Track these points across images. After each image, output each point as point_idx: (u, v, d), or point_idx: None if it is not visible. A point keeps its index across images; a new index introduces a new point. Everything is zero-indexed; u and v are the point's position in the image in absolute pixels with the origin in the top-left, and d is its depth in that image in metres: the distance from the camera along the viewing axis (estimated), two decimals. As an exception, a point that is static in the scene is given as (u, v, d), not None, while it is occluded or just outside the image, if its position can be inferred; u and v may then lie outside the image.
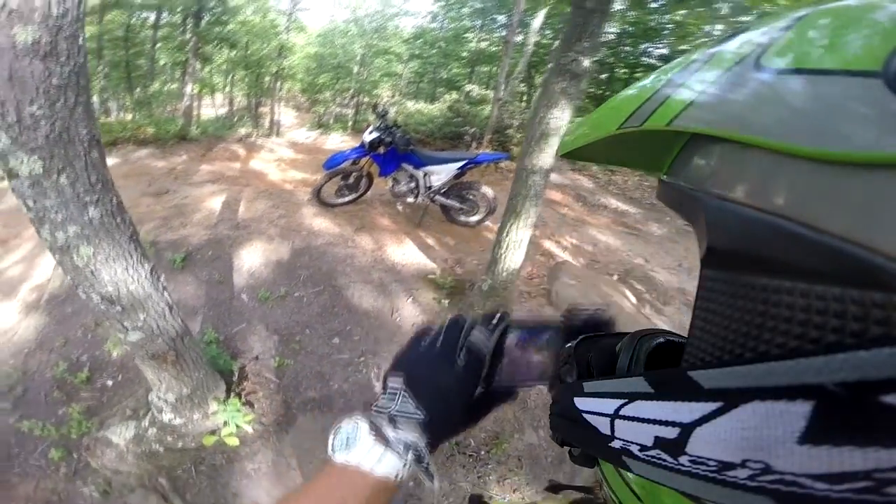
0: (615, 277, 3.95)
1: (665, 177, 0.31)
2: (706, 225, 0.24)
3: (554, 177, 6.92)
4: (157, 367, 1.80)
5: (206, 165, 5.87)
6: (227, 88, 13.82)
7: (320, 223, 4.08)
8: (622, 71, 12.30)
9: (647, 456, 0.26)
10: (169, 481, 2.00)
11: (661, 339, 0.37)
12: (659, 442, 0.25)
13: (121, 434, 2.07)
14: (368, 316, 2.91)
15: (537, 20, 7.41)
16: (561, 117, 2.31)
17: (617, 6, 7.87)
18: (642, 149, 0.34)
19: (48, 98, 1.18)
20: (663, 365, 0.36)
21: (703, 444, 0.22)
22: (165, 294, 1.72)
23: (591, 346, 0.42)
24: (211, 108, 13.11)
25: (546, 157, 2.42)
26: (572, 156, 0.40)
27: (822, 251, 0.18)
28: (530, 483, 2.09)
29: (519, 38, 8.43)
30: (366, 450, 0.42)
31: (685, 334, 0.35)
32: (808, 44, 0.21)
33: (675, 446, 0.23)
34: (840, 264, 0.17)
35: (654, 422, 0.25)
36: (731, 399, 0.20)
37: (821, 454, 0.17)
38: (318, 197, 4.32)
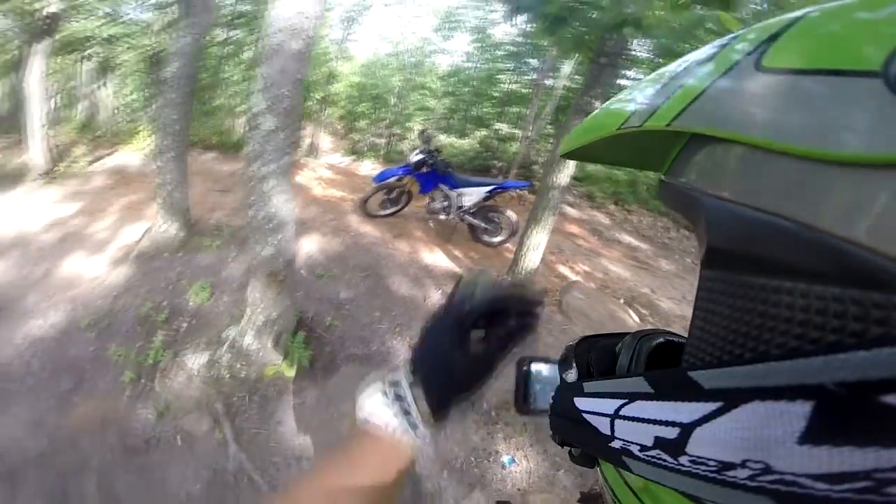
0: (621, 300, 4.33)
1: (665, 177, 0.31)
2: (706, 225, 0.24)
3: (572, 212, 7.43)
4: (266, 284, 2.31)
5: (261, 173, 6.58)
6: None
7: (365, 228, 4.69)
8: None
9: (647, 456, 0.26)
10: (224, 406, 2.23)
11: (662, 340, 0.37)
12: (659, 442, 0.24)
13: (196, 360, 2.37)
14: (405, 299, 3.43)
15: (568, 66, 7.90)
16: (576, 148, 2.99)
17: (644, 54, 8.36)
18: (642, 149, 0.34)
19: (292, 85, 1.93)
20: (664, 365, 0.36)
21: (704, 444, 0.22)
22: (294, 226, 2.36)
23: (591, 347, 0.42)
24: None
25: (563, 176, 3.06)
26: (572, 156, 0.41)
27: (821, 251, 0.18)
28: (533, 445, 2.37)
29: (549, 83, 8.86)
30: (368, 397, 0.48)
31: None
32: (807, 44, 0.21)
33: (676, 446, 0.23)
34: (840, 264, 0.17)
35: (655, 422, 0.24)
36: (731, 399, 0.20)
37: (821, 454, 0.17)
38: (363, 206, 4.85)
